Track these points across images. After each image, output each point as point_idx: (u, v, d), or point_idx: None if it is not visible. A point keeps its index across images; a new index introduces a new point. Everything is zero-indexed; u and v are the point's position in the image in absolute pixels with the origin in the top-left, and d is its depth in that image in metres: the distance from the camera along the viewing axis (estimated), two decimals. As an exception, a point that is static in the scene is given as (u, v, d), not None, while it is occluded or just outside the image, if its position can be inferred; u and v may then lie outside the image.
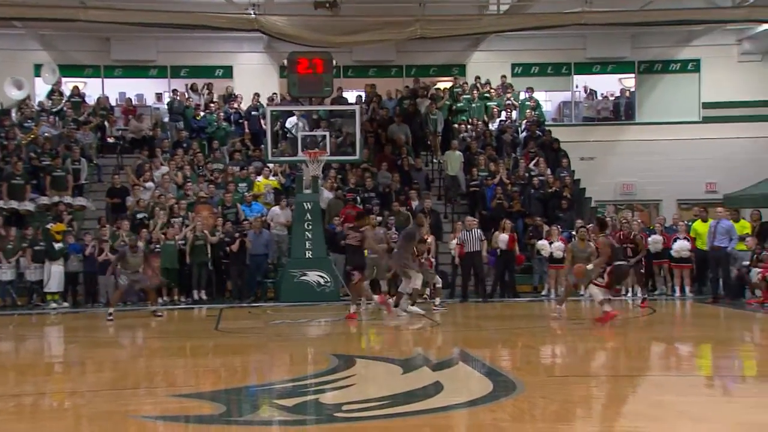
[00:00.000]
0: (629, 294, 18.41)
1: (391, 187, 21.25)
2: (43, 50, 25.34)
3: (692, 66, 26.85)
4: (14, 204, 19.79)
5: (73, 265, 18.47)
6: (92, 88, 25.59)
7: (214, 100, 24.25)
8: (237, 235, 18.77)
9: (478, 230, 18.27)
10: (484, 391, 8.23)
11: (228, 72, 26.29)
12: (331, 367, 9.71)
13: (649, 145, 25.80)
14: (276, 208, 20.04)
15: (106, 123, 23.71)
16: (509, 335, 13.31)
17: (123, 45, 25.29)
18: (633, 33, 25.87)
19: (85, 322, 16.43)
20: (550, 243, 18.52)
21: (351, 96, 24.61)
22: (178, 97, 24.06)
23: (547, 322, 13.52)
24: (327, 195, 20.32)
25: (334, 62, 21.28)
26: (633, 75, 27.14)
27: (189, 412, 7.62)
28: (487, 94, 24.70)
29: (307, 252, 18.62)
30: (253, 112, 23.69)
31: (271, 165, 21.33)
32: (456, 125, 23.77)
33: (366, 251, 15.60)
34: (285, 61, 21.86)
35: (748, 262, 17.41)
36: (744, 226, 18.52)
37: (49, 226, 18.82)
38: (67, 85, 24.86)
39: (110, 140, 23.79)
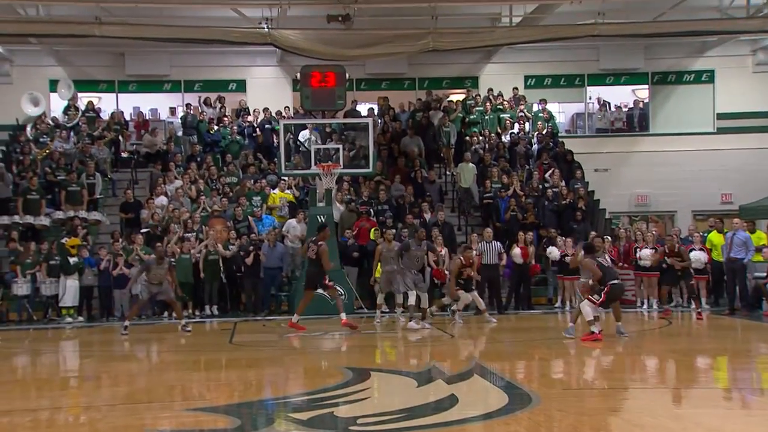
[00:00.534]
0: (644, 306, 18.33)
1: (404, 200, 21.26)
2: (58, 66, 25.57)
3: (706, 77, 26.75)
4: (30, 219, 19.97)
5: (88, 280, 18.57)
6: (107, 103, 25.81)
7: (226, 114, 24.36)
8: (251, 248, 18.80)
9: (497, 243, 18.26)
10: (500, 404, 8.19)
11: (241, 86, 26.38)
12: (346, 380, 9.69)
13: (663, 156, 25.71)
14: (293, 221, 20.07)
15: (120, 137, 23.88)
16: (524, 347, 13.27)
17: (137, 60, 25.49)
18: (646, 44, 25.82)
19: (100, 336, 16.49)
20: (564, 256, 18.40)
21: (364, 109, 24.66)
22: (191, 112, 24.19)
23: (562, 336, 13.44)
24: (338, 208, 20.33)
25: (347, 75, 21.36)
26: (647, 86, 27.07)
27: (204, 426, 7.62)
28: (500, 106, 24.69)
29: (321, 265, 18.57)
30: (266, 126, 23.78)
31: (285, 178, 21.39)
32: (469, 137, 23.74)
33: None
34: (298, 75, 21.97)
35: (764, 274, 17.30)
36: (760, 237, 18.40)
37: (64, 240, 18.93)
38: (83, 100, 25.06)
39: (124, 155, 24.01)
